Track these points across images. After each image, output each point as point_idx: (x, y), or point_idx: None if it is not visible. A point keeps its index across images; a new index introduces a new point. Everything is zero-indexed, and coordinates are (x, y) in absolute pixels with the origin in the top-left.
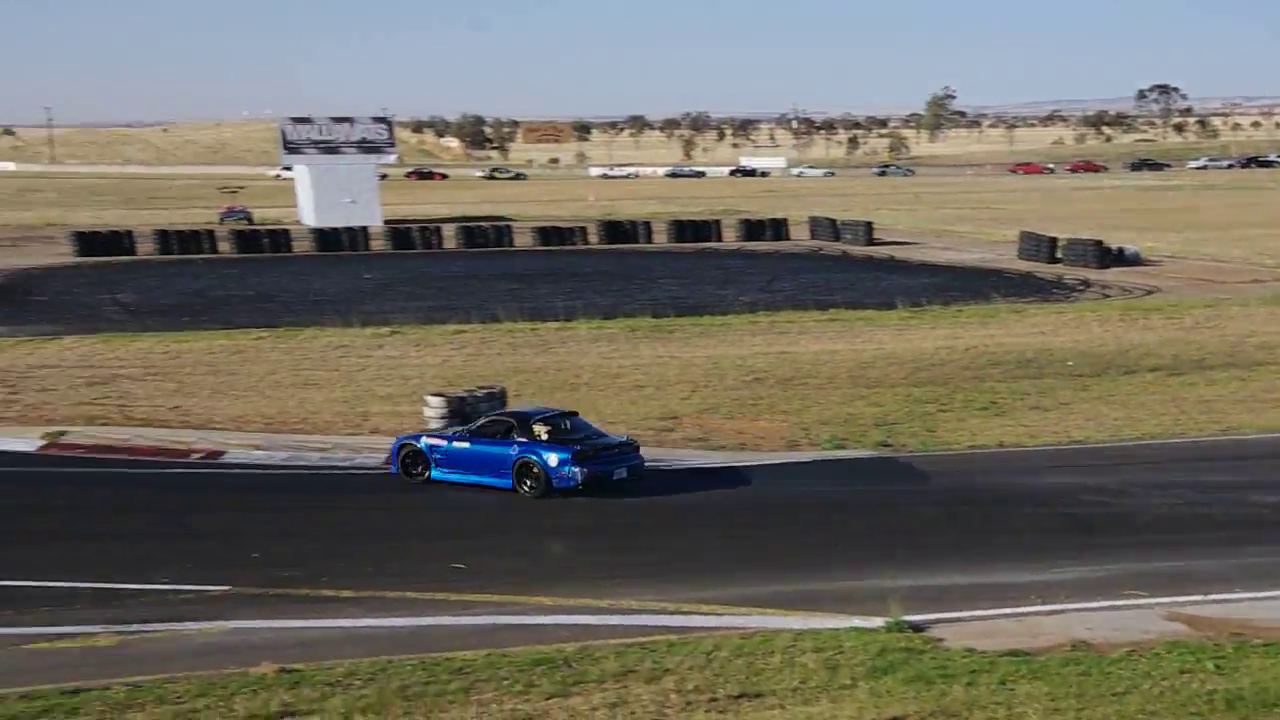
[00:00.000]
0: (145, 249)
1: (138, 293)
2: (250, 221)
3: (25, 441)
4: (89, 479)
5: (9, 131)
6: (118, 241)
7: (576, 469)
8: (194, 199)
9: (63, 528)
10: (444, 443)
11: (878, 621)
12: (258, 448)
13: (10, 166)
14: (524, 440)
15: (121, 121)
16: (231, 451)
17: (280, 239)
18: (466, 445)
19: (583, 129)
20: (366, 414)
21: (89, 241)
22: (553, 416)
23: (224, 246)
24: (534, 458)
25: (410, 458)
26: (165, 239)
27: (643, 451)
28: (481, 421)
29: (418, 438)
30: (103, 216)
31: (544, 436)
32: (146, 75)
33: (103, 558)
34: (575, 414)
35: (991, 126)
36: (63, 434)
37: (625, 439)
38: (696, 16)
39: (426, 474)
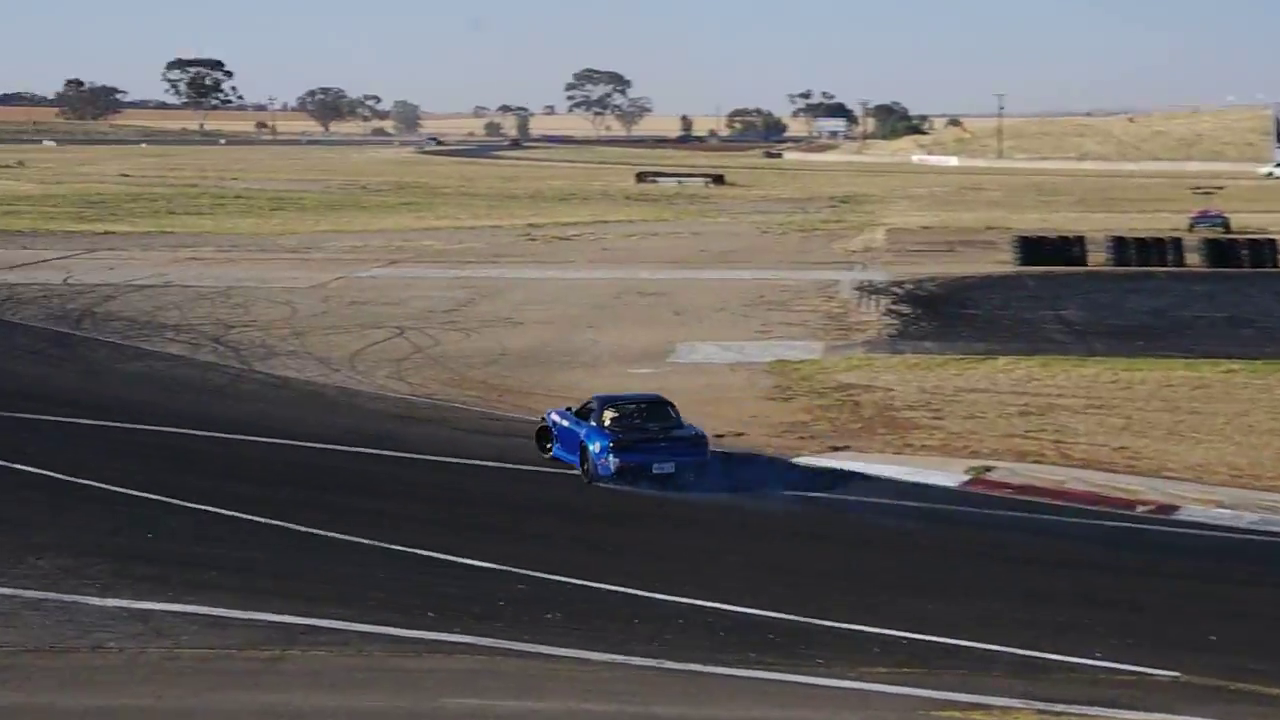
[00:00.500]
0: (1097, 258)
1: (1085, 309)
2: (1226, 229)
3: (947, 475)
4: (1013, 524)
5: (954, 122)
6: (1066, 248)
7: (611, 458)
8: (1161, 201)
9: (981, 579)
10: (560, 420)
11: None
12: (1220, 505)
13: (953, 161)
14: (593, 423)
15: (1081, 110)
16: (1187, 507)
17: (1263, 251)
18: (566, 424)
19: None
20: None
21: (1033, 247)
22: (631, 402)
23: (1192, 258)
24: (586, 442)
25: (541, 433)
26: (1122, 247)
27: None
28: (587, 400)
29: (549, 414)
30: (1050, 219)
31: (606, 422)
32: (1112, 55)
33: (1024, 619)
34: (668, 404)
35: None
36: (988, 469)
37: (695, 432)
38: None
39: (550, 450)
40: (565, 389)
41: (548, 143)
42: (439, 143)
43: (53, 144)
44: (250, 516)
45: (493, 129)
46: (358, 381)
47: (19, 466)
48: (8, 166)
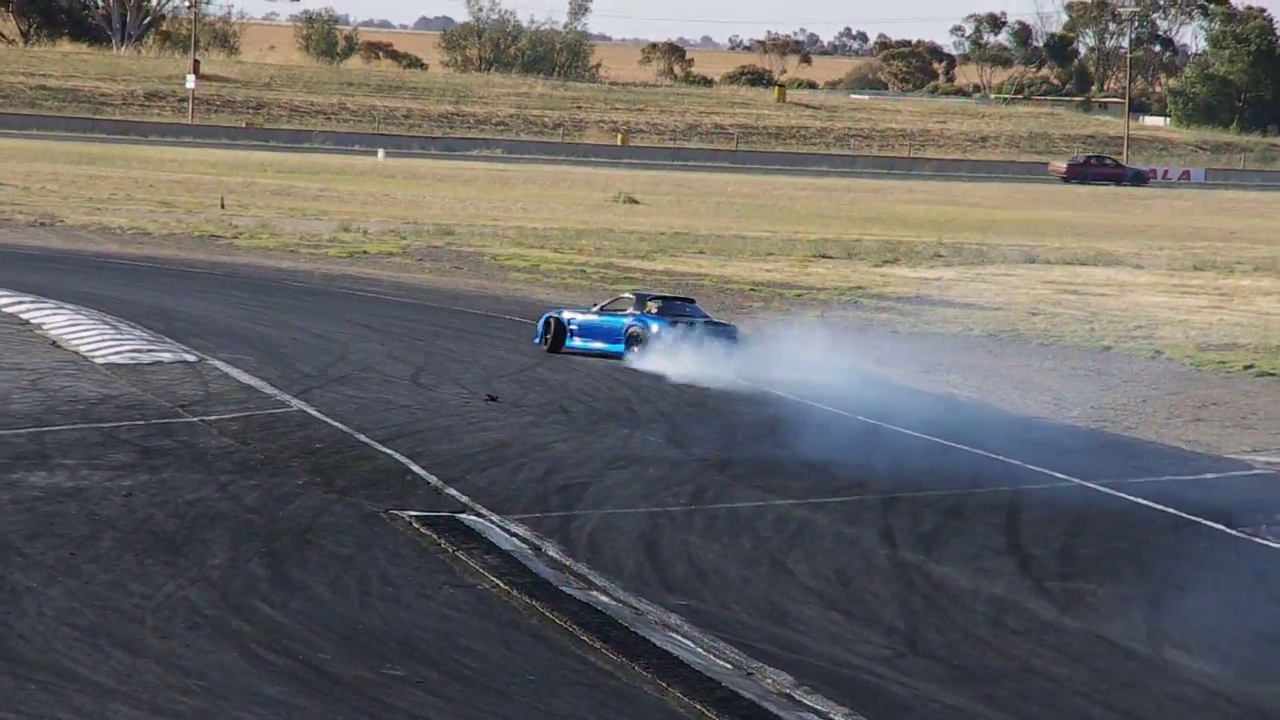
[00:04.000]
0: None
1: None
2: None
3: None
4: None
5: None
6: None
7: (672, 337)
8: None
9: None
10: (580, 316)
11: None
12: None
13: None
14: (636, 313)
15: None
16: None
17: None
18: (595, 317)
19: None
20: None
21: None
22: (668, 298)
23: None
24: (639, 326)
25: (549, 327)
26: None
27: None
28: (611, 299)
29: (560, 310)
30: None
31: (653, 311)
32: None
33: None
34: (693, 300)
35: None
36: None
37: (728, 322)
38: None
39: (560, 344)
40: None
41: None
42: None
43: None
44: None
45: None
46: None
47: None
48: None
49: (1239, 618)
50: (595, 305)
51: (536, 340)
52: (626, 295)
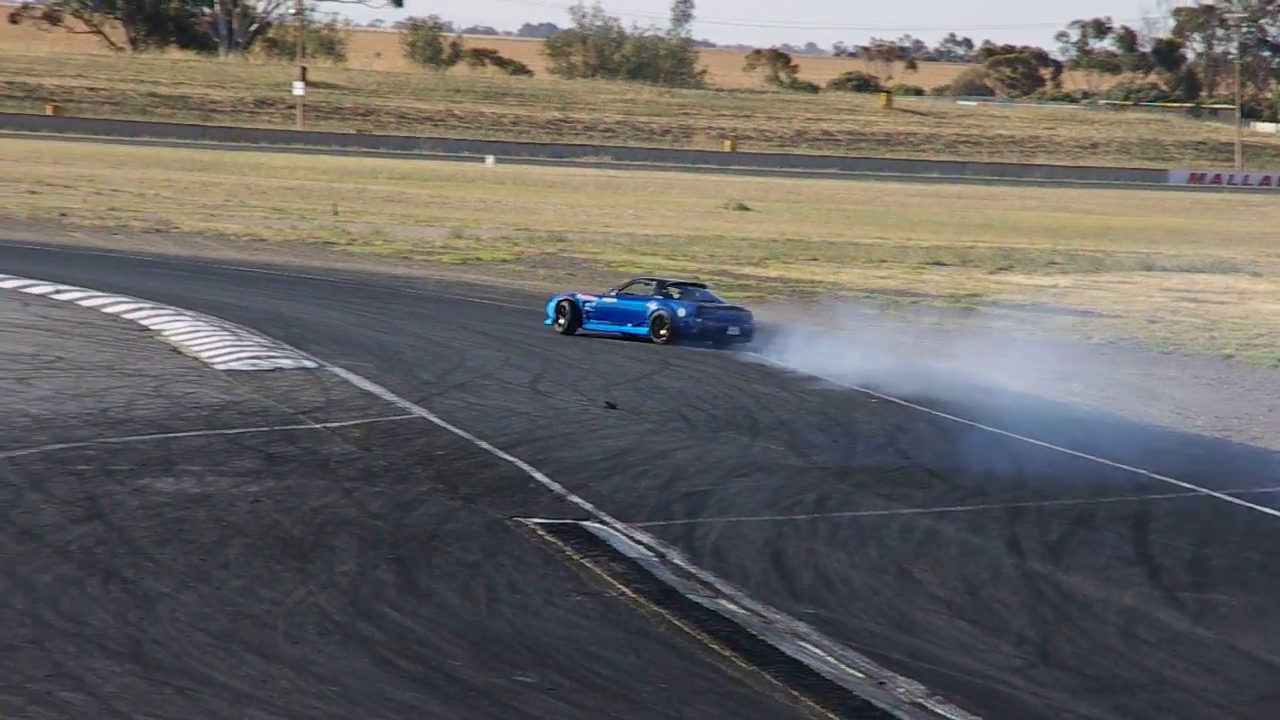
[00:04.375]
0: None
1: None
2: None
3: None
4: None
5: None
6: None
7: (699, 320)
8: None
9: None
10: (596, 299)
11: None
12: None
13: None
14: (660, 297)
15: None
16: None
17: None
18: (614, 301)
19: None
20: None
21: None
22: (685, 284)
23: None
24: (667, 311)
25: (564, 310)
26: None
27: None
28: (626, 283)
29: (573, 295)
30: None
31: (676, 295)
32: None
33: None
34: (705, 285)
35: None
36: None
37: (743, 306)
38: None
39: (577, 326)
40: None
41: None
42: None
43: None
44: None
45: None
46: None
47: None
48: None
49: None
50: (611, 290)
51: (549, 323)
52: (643, 281)
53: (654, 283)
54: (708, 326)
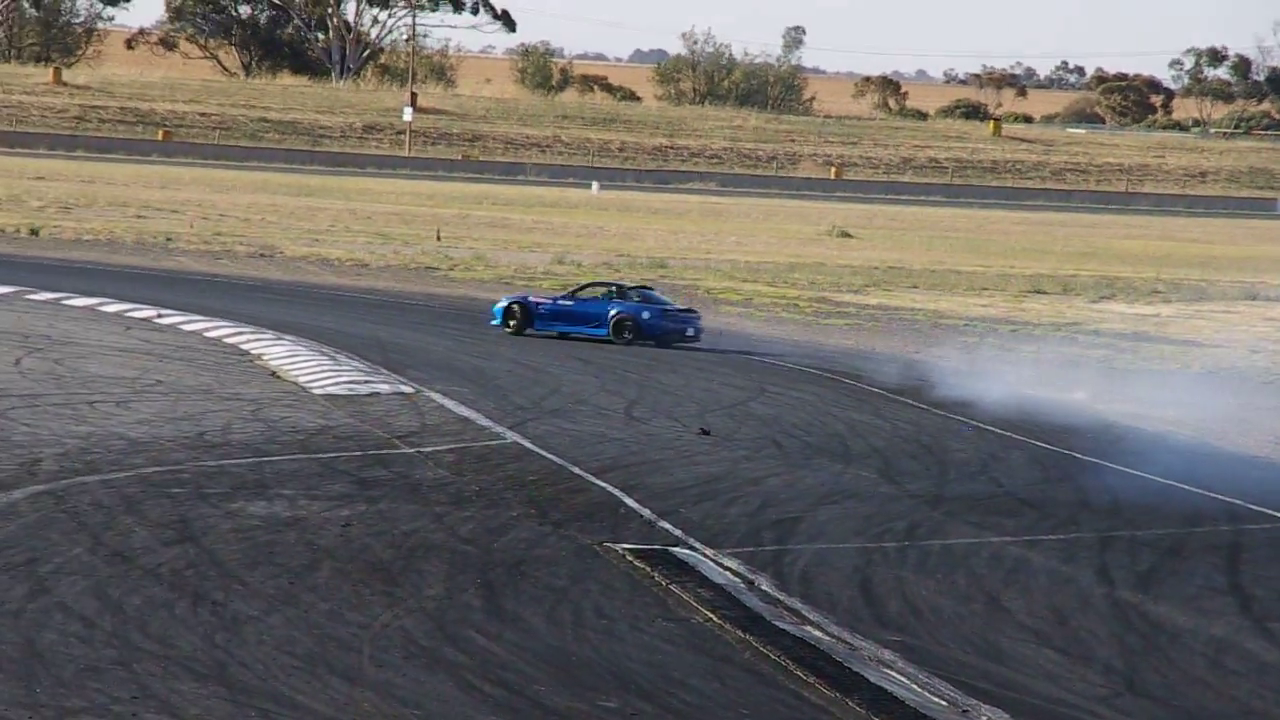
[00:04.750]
0: None
1: None
2: None
3: None
4: None
5: None
6: None
7: (662, 322)
8: None
9: None
10: (550, 302)
11: None
12: None
13: None
14: (621, 300)
15: None
16: None
17: None
18: (569, 303)
19: None
20: None
21: None
22: (641, 287)
23: None
24: (630, 313)
25: (512, 312)
26: None
27: None
28: (580, 287)
29: (525, 296)
30: None
31: (636, 299)
32: None
33: None
34: (652, 288)
35: None
36: None
37: (689, 307)
38: None
39: (527, 327)
40: None
41: None
42: None
43: None
44: None
45: None
46: None
47: None
48: None
49: None
50: (565, 293)
51: (496, 323)
52: (600, 284)
53: (613, 287)
54: (668, 328)
